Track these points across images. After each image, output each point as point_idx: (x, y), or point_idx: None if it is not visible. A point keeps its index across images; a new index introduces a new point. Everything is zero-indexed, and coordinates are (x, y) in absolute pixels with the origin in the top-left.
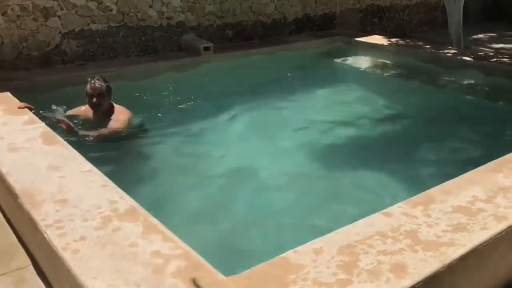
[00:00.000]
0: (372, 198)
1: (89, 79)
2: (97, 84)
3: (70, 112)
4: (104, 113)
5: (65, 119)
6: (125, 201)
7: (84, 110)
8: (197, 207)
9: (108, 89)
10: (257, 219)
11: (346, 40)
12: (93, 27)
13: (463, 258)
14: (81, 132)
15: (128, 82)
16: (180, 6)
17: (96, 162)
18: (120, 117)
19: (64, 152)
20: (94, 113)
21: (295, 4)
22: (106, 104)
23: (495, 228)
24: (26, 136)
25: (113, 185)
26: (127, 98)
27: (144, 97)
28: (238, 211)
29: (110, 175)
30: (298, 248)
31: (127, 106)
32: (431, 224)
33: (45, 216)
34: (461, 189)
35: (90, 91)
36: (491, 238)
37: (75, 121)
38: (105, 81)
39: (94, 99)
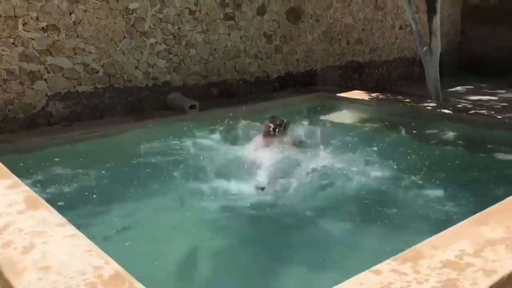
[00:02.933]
0: (358, 255)
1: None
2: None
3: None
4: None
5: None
6: (110, 266)
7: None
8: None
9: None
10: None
11: (328, 96)
12: (79, 88)
13: None
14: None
15: (113, 142)
16: (166, 67)
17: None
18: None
19: (48, 216)
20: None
21: (277, 63)
22: None
23: (485, 283)
24: (9, 201)
25: (98, 249)
26: (112, 157)
27: (130, 155)
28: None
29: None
30: None
31: (115, 166)
32: (421, 281)
33: (27, 284)
34: (448, 244)
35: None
36: None
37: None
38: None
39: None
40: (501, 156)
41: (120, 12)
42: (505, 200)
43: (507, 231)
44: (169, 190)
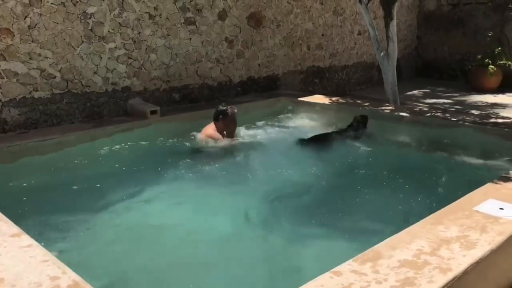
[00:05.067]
0: (319, 256)
1: (227, 107)
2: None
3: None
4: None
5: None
6: (68, 276)
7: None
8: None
9: None
10: None
11: (290, 100)
12: (36, 94)
13: None
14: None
15: (72, 148)
16: (126, 72)
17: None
18: None
19: (1, 227)
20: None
21: (239, 68)
22: None
23: (441, 280)
24: None
25: (55, 259)
26: (71, 165)
27: (89, 163)
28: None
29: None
30: None
31: (71, 173)
32: (380, 281)
33: None
34: (406, 243)
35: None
36: None
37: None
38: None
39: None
40: (455, 157)
41: (78, 16)
42: (459, 200)
43: (461, 230)
44: (127, 197)
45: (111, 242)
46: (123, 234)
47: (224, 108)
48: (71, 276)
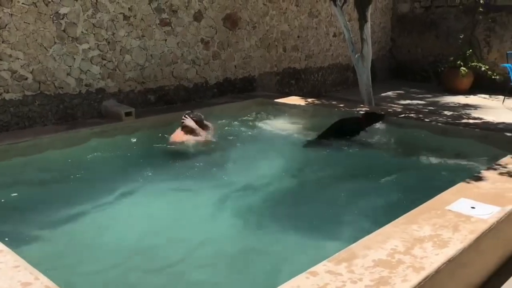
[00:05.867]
0: (295, 258)
1: (194, 113)
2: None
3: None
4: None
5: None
6: (40, 281)
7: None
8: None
9: None
10: None
11: (266, 102)
12: (6, 96)
13: None
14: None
15: (44, 152)
16: (100, 73)
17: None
18: None
19: None
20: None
21: (215, 69)
22: None
23: (414, 279)
24: None
25: (27, 264)
26: (45, 168)
27: (62, 165)
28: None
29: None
30: None
31: (44, 177)
32: (355, 280)
33: None
34: (380, 243)
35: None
36: None
37: None
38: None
39: None
40: (428, 157)
41: (50, 17)
42: (431, 200)
43: (434, 229)
44: (102, 200)
45: (85, 246)
46: (98, 238)
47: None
48: (43, 281)
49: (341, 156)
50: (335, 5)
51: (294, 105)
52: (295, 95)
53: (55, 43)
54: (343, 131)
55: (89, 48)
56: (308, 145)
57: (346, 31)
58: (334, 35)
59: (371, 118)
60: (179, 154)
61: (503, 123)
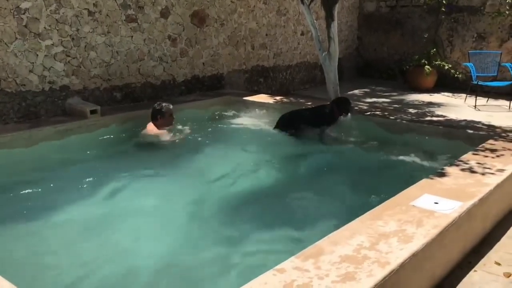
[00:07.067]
0: (262, 254)
1: (162, 105)
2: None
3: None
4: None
5: None
6: (1, 285)
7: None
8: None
9: None
10: None
11: (234, 99)
12: None
13: None
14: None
15: (6, 150)
16: (64, 70)
17: None
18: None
19: None
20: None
21: (183, 66)
22: None
23: (380, 274)
24: None
25: None
26: (7, 167)
27: (25, 165)
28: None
29: None
30: None
31: (7, 175)
32: (322, 276)
33: None
34: (347, 238)
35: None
36: (376, 285)
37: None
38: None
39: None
40: (393, 154)
41: (11, 11)
42: (396, 196)
43: (399, 224)
44: (66, 200)
45: (47, 248)
46: (63, 238)
47: (159, 107)
48: (4, 285)
49: (307, 153)
50: (303, 3)
51: (263, 103)
52: (264, 93)
53: (16, 38)
54: (315, 122)
55: (53, 44)
56: (275, 142)
57: (314, 29)
58: (302, 34)
59: (340, 105)
60: (146, 150)
61: (465, 120)
